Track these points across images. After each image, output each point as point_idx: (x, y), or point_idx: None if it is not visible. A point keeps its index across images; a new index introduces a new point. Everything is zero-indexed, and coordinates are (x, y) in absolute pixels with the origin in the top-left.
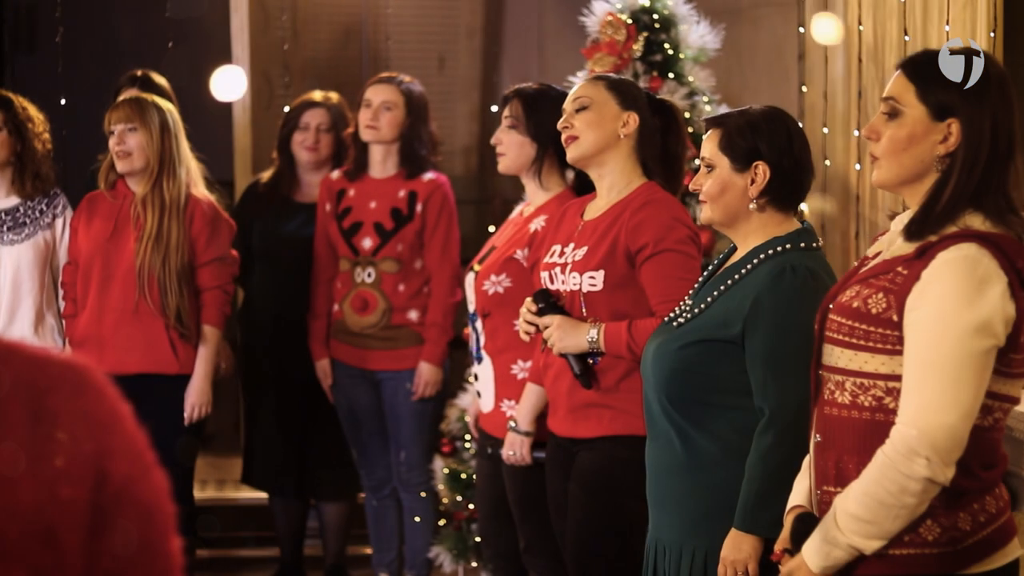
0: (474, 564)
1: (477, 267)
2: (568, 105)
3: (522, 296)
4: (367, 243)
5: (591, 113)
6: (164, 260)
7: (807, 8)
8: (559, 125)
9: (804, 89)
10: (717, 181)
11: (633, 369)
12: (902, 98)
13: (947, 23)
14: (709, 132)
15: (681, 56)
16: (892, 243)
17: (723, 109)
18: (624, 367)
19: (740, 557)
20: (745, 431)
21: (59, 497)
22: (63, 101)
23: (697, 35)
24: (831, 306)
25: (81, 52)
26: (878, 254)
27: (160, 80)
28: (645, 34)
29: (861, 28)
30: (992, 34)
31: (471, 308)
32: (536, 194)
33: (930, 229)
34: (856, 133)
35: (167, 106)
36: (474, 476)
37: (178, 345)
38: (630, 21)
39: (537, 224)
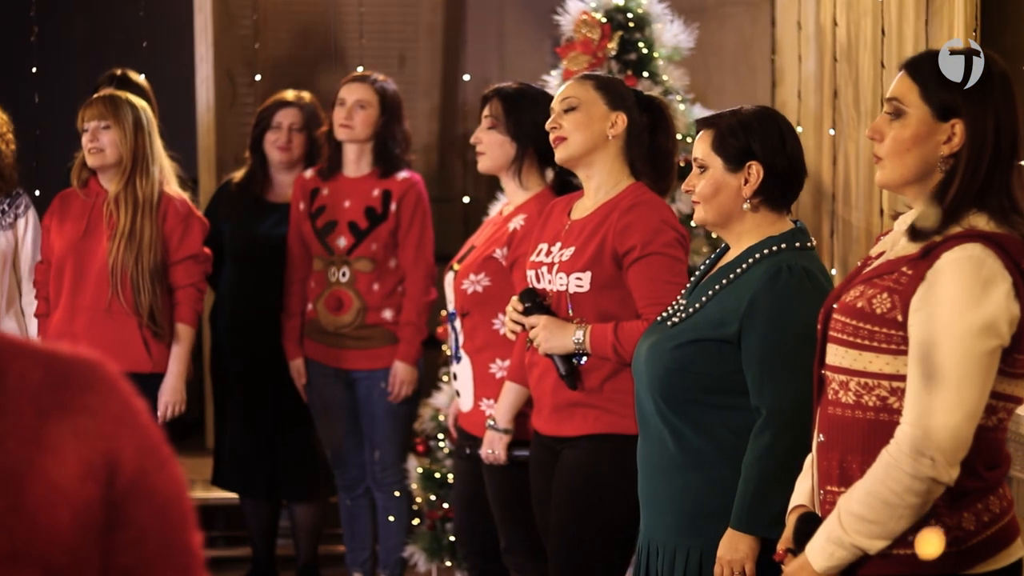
0: (448, 563)
1: (456, 266)
2: (556, 105)
3: (501, 295)
4: (341, 242)
5: (579, 114)
6: (137, 259)
7: (778, 6)
8: (547, 125)
9: (775, 88)
10: (710, 182)
11: (618, 370)
12: (905, 98)
13: (926, 22)
14: (701, 133)
15: (655, 55)
16: (896, 243)
17: (697, 108)
18: (609, 368)
19: (737, 557)
20: (740, 431)
21: (69, 493)
22: (37, 100)
23: (671, 34)
24: (835, 306)
25: (55, 51)
26: (881, 254)
27: (138, 79)
28: (620, 33)
29: (836, 27)
30: (974, 32)
31: (450, 307)
32: (516, 193)
33: (934, 229)
34: (831, 132)
35: (141, 104)
36: (449, 475)
37: (151, 344)
38: (604, 20)
39: (516, 223)
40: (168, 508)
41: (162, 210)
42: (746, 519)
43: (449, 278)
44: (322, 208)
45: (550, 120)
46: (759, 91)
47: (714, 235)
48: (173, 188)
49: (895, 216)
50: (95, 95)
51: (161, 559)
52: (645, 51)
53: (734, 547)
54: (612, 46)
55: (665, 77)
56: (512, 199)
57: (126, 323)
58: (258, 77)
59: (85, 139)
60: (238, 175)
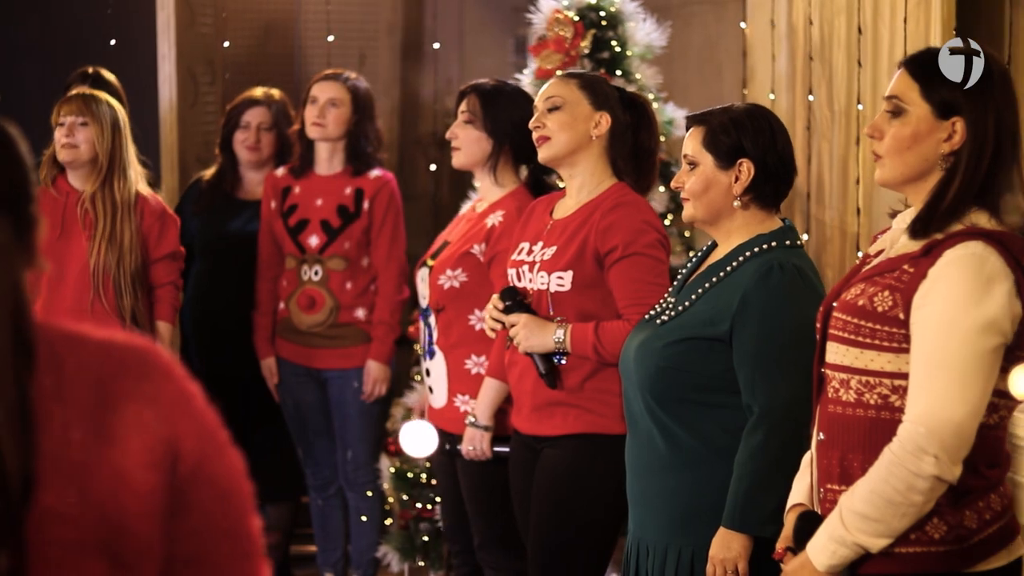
0: (421, 563)
1: (430, 262)
2: (540, 104)
3: (478, 291)
4: (314, 241)
5: (563, 114)
6: (119, 261)
7: (749, 5)
8: (531, 124)
9: (746, 87)
10: (700, 179)
11: (598, 369)
12: (905, 96)
13: (904, 20)
14: (691, 129)
15: (628, 53)
16: (895, 241)
17: (669, 107)
18: (589, 367)
19: (730, 555)
20: (732, 429)
21: (132, 482)
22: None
23: (643, 32)
24: (835, 304)
25: (15, 49)
26: (880, 252)
27: (110, 77)
28: (592, 31)
29: (811, 25)
30: (955, 31)
31: (423, 303)
32: (490, 190)
33: (935, 227)
34: (806, 131)
35: (116, 104)
36: (421, 475)
37: None
38: (577, 18)
39: (494, 219)
40: (229, 493)
41: (139, 209)
42: (739, 518)
43: (423, 273)
44: (294, 206)
45: (533, 119)
46: (727, 90)
47: (687, 234)
48: (144, 188)
49: (893, 214)
50: (72, 92)
51: (223, 545)
52: (618, 49)
53: (727, 546)
54: (585, 44)
55: (638, 76)
56: (487, 196)
57: (109, 325)
58: (227, 75)
59: (59, 134)
60: (208, 173)
